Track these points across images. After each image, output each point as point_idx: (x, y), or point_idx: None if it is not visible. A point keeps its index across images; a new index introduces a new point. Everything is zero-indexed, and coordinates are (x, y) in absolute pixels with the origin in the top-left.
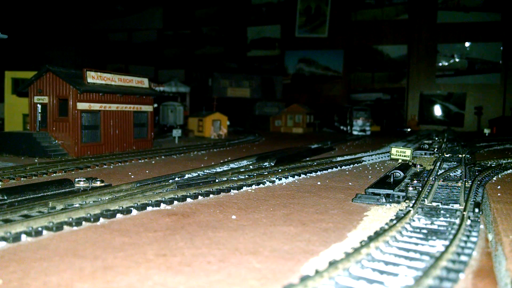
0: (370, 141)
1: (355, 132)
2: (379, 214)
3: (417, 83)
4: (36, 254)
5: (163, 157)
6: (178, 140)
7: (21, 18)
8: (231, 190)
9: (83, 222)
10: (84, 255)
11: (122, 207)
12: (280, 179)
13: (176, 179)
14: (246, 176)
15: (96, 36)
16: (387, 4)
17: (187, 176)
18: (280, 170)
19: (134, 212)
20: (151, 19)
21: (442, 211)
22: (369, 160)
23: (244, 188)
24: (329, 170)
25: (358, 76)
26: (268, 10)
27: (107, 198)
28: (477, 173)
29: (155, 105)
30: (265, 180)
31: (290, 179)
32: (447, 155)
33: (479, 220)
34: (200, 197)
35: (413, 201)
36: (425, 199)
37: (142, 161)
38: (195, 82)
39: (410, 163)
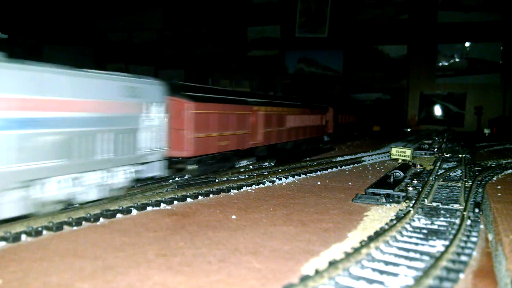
0: (370, 141)
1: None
2: (379, 214)
3: (417, 83)
4: (36, 254)
5: None
6: None
7: (21, 17)
8: (231, 190)
9: (83, 222)
10: (84, 255)
11: (122, 207)
12: (280, 179)
13: (176, 179)
14: (246, 176)
15: (96, 36)
16: (387, 4)
17: (187, 176)
18: (280, 170)
19: (134, 212)
20: (151, 19)
21: (442, 211)
22: (369, 160)
23: (244, 188)
24: (329, 170)
25: (358, 76)
26: (268, 10)
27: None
28: (477, 173)
29: None
30: (265, 180)
31: (290, 179)
32: (447, 155)
33: (479, 220)
34: (200, 197)
35: (413, 201)
36: (425, 199)
37: None
38: (195, 82)
39: (410, 163)
